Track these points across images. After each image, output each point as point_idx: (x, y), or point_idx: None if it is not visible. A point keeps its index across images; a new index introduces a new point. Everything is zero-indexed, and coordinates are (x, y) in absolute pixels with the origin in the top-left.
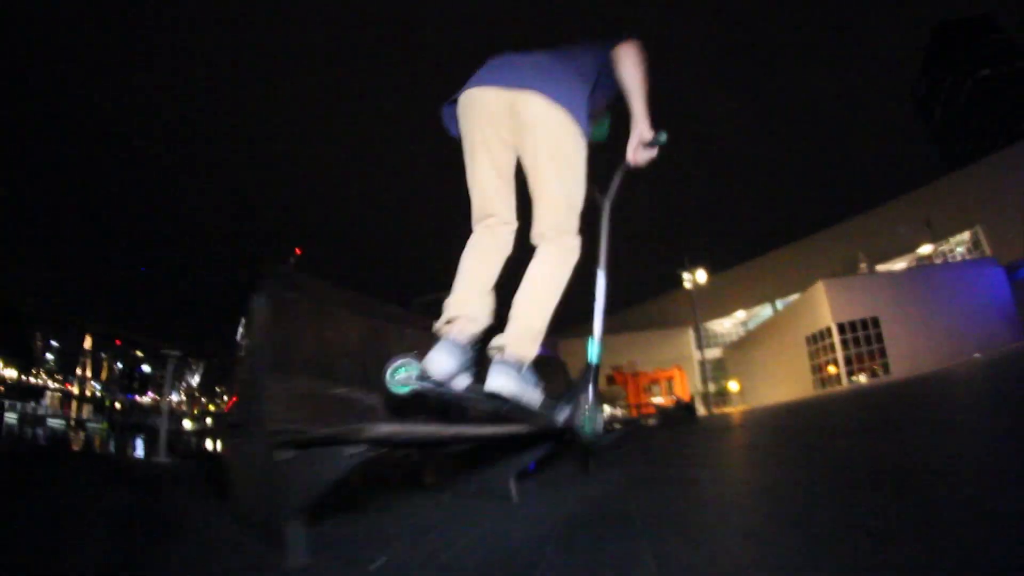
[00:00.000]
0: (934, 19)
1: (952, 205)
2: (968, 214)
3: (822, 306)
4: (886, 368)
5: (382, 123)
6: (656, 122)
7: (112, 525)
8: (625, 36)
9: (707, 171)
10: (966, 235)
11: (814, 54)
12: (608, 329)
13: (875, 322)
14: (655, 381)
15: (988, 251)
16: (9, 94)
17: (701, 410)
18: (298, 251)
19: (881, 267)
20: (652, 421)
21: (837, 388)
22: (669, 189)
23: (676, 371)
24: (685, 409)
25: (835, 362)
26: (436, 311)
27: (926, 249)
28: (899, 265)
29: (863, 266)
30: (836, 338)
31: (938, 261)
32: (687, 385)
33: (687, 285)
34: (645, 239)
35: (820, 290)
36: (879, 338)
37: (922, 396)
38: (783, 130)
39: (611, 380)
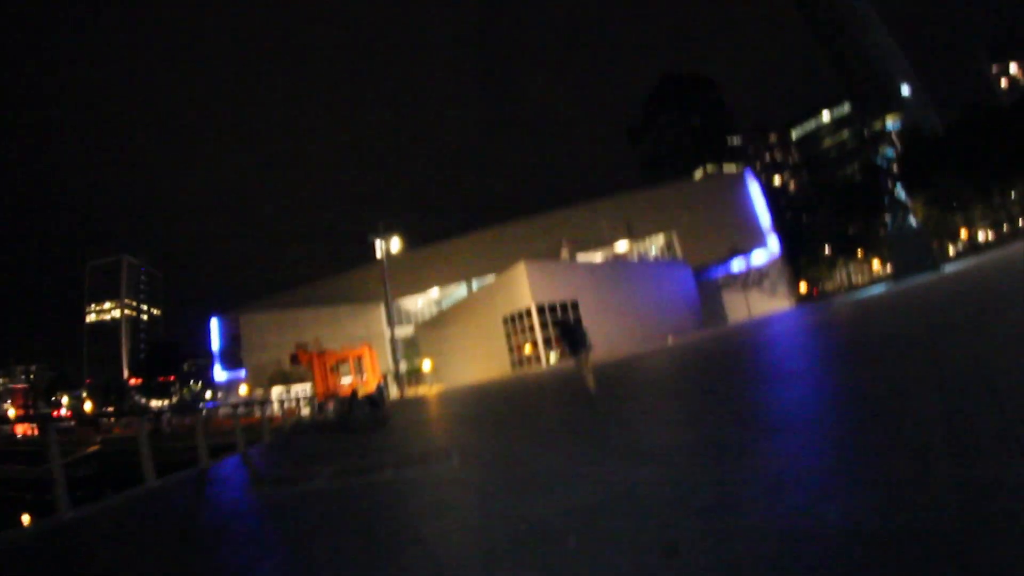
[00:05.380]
0: (656, 70)
1: (650, 212)
2: (662, 222)
3: (522, 287)
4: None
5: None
6: None
7: None
8: None
9: (418, 144)
10: (660, 238)
11: (550, 65)
12: (289, 303)
13: (575, 305)
14: (343, 360)
15: (679, 253)
16: None
17: (394, 391)
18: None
19: (581, 256)
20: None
21: (535, 368)
22: (368, 149)
23: (366, 349)
24: (369, 403)
25: (534, 343)
26: None
27: (623, 246)
28: (598, 257)
29: (565, 252)
30: (536, 319)
31: (634, 258)
32: (377, 364)
33: (379, 254)
34: (335, 204)
35: (521, 270)
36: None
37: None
38: (505, 123)
39: (294, 360)
